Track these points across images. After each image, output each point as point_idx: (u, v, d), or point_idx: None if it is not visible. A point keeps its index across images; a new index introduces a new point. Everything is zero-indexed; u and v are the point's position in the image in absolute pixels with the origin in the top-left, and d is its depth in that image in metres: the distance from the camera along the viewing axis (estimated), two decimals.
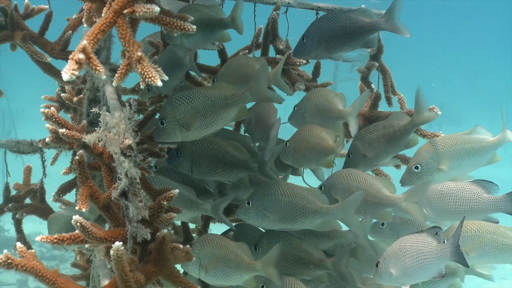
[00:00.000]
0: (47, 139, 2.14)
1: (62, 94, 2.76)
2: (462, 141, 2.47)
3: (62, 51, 2.43)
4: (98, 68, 1.45)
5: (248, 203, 2.39)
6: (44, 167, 2.58)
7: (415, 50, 27.73)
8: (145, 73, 1.45)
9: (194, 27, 1.58)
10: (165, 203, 1.74)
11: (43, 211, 2.53)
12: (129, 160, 1.55)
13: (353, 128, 2.49)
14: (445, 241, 2.31)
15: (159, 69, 1.49)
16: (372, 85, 2.79)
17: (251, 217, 2.40)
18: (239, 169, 2.43)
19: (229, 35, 2.51)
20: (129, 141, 1.57)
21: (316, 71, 2.80)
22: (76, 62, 1.41)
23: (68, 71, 1.39)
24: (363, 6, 2.68)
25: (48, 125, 2.16)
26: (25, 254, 1.59)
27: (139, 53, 1.48)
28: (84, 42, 1.44)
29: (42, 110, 2.12)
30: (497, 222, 2.58)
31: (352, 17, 2.48)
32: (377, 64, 2.72)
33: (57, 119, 2.12)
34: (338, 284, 2.56)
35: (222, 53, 2.66)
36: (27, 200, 2.61)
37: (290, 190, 2.40)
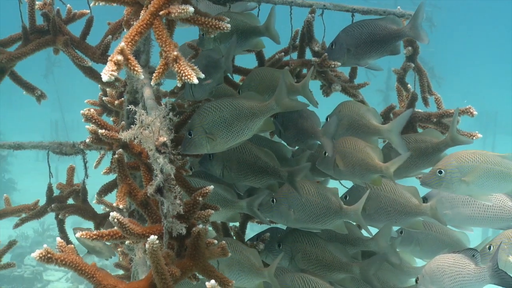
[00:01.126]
0: (87, 140, 2.20)
1: (104, 98, 2.83)
2: (494, 161, 2.41)
3: (103, 55, 2.49)
4: (136, 68, 1.50)
5: (273, 201, 2.44)
6: (86, 168, 2.63)
7: (469, 59, 27.38)
8: (182, 72, 1.50)
9: (229, 25, 1.62)
10: (200, 199, 1.78)
11: (85, 212, 2.58)
12: (164, 157, 1.59)
13: (400, 147, 2.49)
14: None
15: (195, 67, 1.54)
16: (408, 85, 2.80)
17: (275, 214, 2.46)
18: (269, 176, 2.44)
19: (262, 43, 2.55)
20: (163, 139, 1.61)
21: (353, 72, 2.82)
22: (115, 64, 1.46)
23: (107, 72, 1.44)
24: (398, 7, 2.71)
25: (88, 126, 2.23)
26: (64, 249, 1.64)
27: (175, 53, 1.52)
28: (122, 44, 1.49)
29: (82, 112, 2.19)
30: None
31: (380, 25, 2.53)
32: (413, 65, 2.72)
33: (97, 120, 2.18)
34: None
35: (259, 55, 2.69)
36: (70, 201, 2.68)
37: (313, 189, 2.44)
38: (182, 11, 1.53)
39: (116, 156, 1.82)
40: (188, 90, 2.43)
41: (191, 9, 1.53)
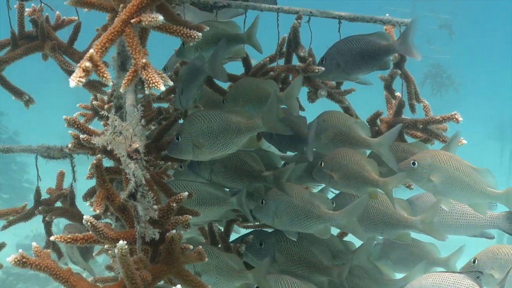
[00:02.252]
0: (69, 145, 2.23)
1: (94, 102, 2.86)
2: (464, 171, 2.41)
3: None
4: (105, 75, 1.52)
5: (262, 202, 2.48)
6: (73, 172, 2.67)
7: (488, 65, 27.15)
8: (149, 79, 1.52)
9: (200, 34, 1.64)
10: (174, 205, 1.80)
11: (72, 214, 2.60)
12: (135, 163, 1.61)
13: (390, 161, 2.50)
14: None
15: (164, 74, 1.56)
16: (396, 93, 2.81)
17: (263, 215, 2.50)
18: (255, 179, 2.50)
19: (243, 50, 2.59)
20: (136, 145, 1.63)
21: None
22: (83, 70, 1.48)
23: (75, 79, 1.46)
24: (387, 15, 2.72)
25: (71, 131, 2.26)
26: (40, 254, 1.67)
27: (144, 60, 1.54)
28: (91, 50, 1.52)
29: (64, 117, 2.22)
30: (493, 238, 2.57)
31: (370, 40, 2.55)
32: (399, 72, 2.73)
33: (79, 125, 2.21)
34: None
35: (246, 61, 2.71)
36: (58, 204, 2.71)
37: (299, 193, 2.47)
38: (152, 20, 1.55)
39: (94, 161, 1.84)
40: (177, 98, 2.47)
41: (161, 18, 1.55)
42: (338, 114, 2.63)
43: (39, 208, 2.58)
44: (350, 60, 2.55)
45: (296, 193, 2.47)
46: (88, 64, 1.48)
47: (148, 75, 1.52)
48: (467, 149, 2.77)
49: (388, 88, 2.81)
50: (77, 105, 3.05)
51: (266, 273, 2.40)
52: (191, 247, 1.85)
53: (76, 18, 2.59)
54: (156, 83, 1.50)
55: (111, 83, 1.52)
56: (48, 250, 1.70)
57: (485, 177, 2.42)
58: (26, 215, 2.61)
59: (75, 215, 2.61)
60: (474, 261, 2.46)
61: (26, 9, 2.49)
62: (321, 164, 2.52)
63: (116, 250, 1.56)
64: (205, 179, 2.51)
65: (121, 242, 1.56)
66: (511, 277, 2.34)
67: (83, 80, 1.46)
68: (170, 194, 2.12)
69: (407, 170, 2.43)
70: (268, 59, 2.66)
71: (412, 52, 2.55)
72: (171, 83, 1.55)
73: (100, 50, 1.54)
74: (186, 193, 1.83)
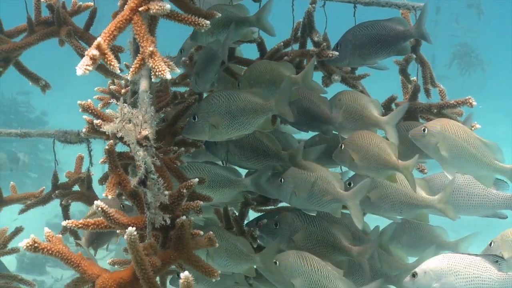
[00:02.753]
0: (83, 130, 2.26)
1: (111, 87, 2.88)
2: (473, 143, 2.40)
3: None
4: (112, 63, 1.53)
5: (281, 181, 2.49)
6: (90, 156, 2.70)
7: None
8: (156, 67, 1.53)
9: (208, 22, 1.64)
10: (185, 191, 1.82)
11: (89, 198, 2.64)
12: (144, 150, 1.63)
13: (393, 138, 2.51)
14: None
15: (171, 62, 1.57)
16: (412, 77, 2.80)
17: (282, 193, 2.52)
18: (270, 158, 2.53)
19: (251, 33, 2.60)
20: (145, 132, 1.65)
21: None
22: (91, 58, 1.49)
23: (82, 67, 1.48)
24: (406, 1, 2.71)
25: (85, 116, 2.28)
26: (52, 239, 1.70)
27: (150, 48, 1.55)
28: (99, 39, 1.53)
29: (78, 102, 2.24)
30: (506, 218, 2.55)
31: (387, 25, 2.56)
32: (414, 56, 2.72)
33: (93, 110, 2.23)
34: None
35: (261, 46, 2.71)
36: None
37: (316, 172, 2.48)
38: (160, 8, 1.56)
39: (106, 147, 1.86)
40: (193, 82, 2.50)
41: (168, 6, 1.56)
42: (353, 93, 2.63)
43: (56, 192, 2.61)
44: (366, 46, 2.55)
45: (315, 172, 2.48)
46: (95, 52, 1.49)
47: (155, 63, 1.53)
48: (493, 128, 2.74)
49: (403, 72, 2.80)
50: (95, 88, 3.08)
51: (273, 256, 2.42)
52: (202, 232, 1.87)
53: (92, 3, 2.60)
54: (162, 71, 1.51)
55: (118, 71, 1.53)
56: (60, 235, 1.72)
57: (494, 152, 2.42)
58: (43, 199, 2.65)
59: (92, 199, 2.63)
60: (490, 244, 2.44)
61: None
62: (341, 146, 2.52)
63: (125, 236, 1.58)
64: (221, 159, 2.53)
65: (130, 228, 1.58)
66: None
67: (90, 68, 1.48)
68: (183, 180, 2.14)
69: (418, 137, 2.42)
70: (282, 43, 2.66)
71: (426, 37, 2.58)
72: (178, 71, 1.57)
73: (108, 38, 1.55)
74: (197, 180, 1.85)
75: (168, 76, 1.52)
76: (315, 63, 2.57)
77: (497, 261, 2.25)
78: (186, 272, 1.53)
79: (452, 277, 2.26)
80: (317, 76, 2.66)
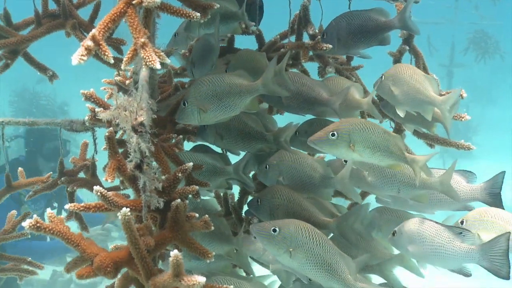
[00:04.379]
0: (86, 118, 2.35)
1: (116, 78, 2.97)
2: (419, 79, 2.51)
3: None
4: (106, 53, 1.63)
5: (266, 167, 2.58)
6: (95, 144, 2.79)
7: None
8: (146, 57, 1.62)
9: (198, 14, 1.73)
10: (180, 175, 1.92)
11: (93, 185, 2.72)
12: (138, 136, 1.72)
13: (378, 117, 2.61)
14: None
15: (162, 53, 1.66)
16: None
17: (267, 179, 2.60)
18: (256, 140, 2.59)
19: (239, 28, 2.67)
20: (141, 118, 1.74)
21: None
22: (85, 49, 1.59)
23: (77, 57, 1.57)
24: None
25: (88, 104, 2.38)
26: (53, 219, 1.80)
27: (142, 39, 1.64)
28: (94, 30, 1.63)
29: (81, 91, 2.34)
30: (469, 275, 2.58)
31: (369, 16, 2.62)
32: (408, 48, 2.78)
33: (95, 99, 2.33)
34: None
35: (259, 38, 2.80)
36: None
37: (301, 159, 2.56)
38: (151, 1, 1.65)
39: (106, 133, 1.95)
40: (189, 72, 2.58)
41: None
42: (336, 78, 2.72)
43: (62, 178, 2.71)
44: (349, 35, 2.62)
45: (300, 159, 2.56)
46: (90, 43, 1.59)
47: (146, 53, 1.62)
48: None
49: (397, 63, 2.86)
50: (102, 80, 3.17)
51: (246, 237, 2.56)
52: (197, 215, 1.96)
53: None
54: (152, 61, 1.60)
55: (112, 61, 1.62)
56: (62, 216, 1.82)
57: (432, 84, 2.53)
58: (50, 185, 2.75)
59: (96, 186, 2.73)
60: (461, 222, 2.49)
61: None
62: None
63: (119, 216, 1.68)
64: (210, 143, 2.62)
65: (124, 209, 1.67)
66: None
67: (85, 58, 1.57)
68: (180, 165, 2.23)
69: (325, 142, 2.36)
70: (279, 36, 2.74)
71: (411, 28, 2.62)
72: (168, 61, 1.65)
73: (102, 30, 1.64)
74: (191, 164, 1.95)
75: (158, 66, 1.61)
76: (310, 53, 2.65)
77: (461, 233, 2.34)
78: (175, 251, 1.61)
79: (420, 243, 2.36)
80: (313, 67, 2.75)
